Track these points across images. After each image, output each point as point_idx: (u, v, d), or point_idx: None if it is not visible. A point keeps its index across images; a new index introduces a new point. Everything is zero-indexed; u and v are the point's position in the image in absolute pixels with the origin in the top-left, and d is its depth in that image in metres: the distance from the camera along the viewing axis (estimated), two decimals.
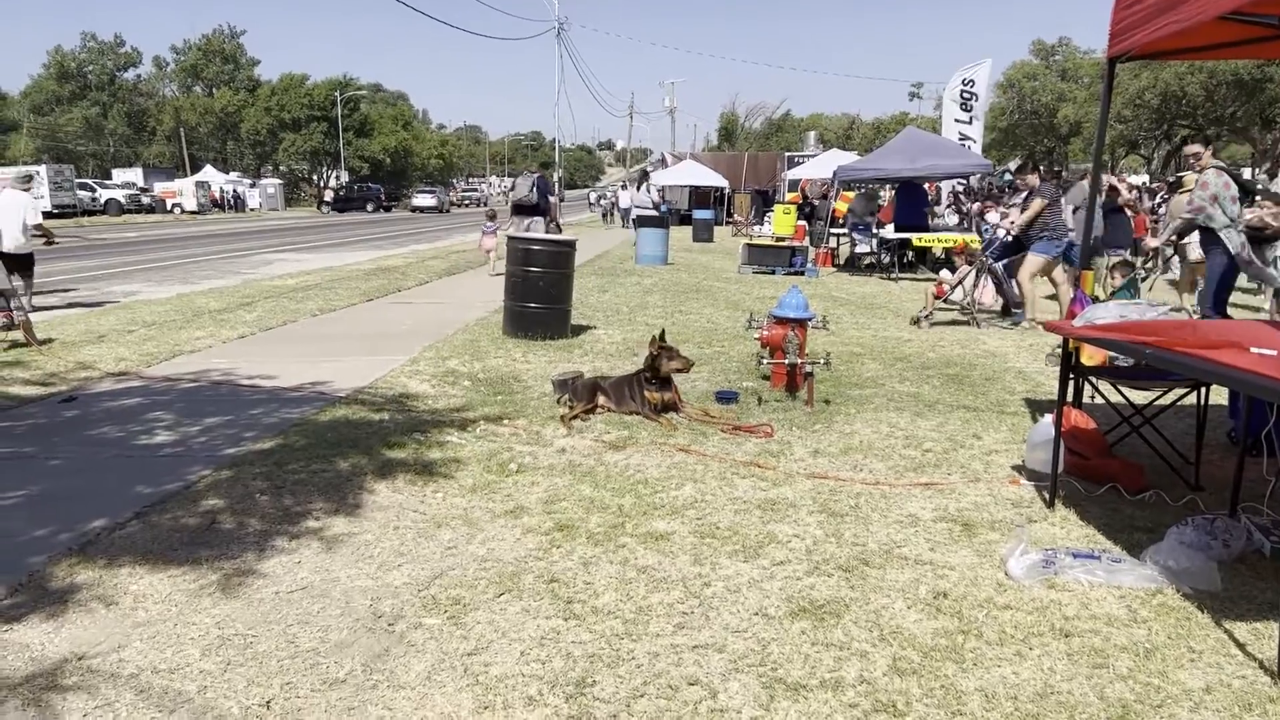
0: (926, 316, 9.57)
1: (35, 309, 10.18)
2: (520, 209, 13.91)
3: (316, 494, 4.28)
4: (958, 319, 9.98)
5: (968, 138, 21.07)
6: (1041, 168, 10.09)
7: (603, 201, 43.72)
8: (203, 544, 3.69)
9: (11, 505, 4.15)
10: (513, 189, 14.51)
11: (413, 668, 2.78)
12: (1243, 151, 50.03)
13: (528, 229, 13.07)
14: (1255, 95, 36.80)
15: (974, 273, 9.75)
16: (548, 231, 10.76)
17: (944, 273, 10.83)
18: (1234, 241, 7.55)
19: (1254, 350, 3.25)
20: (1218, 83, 36.87)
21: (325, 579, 3.40)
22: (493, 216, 16.46)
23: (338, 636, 2.98)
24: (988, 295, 9.80)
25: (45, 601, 3.18)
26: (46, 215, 36.53)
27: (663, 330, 6.20)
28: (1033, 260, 9.53)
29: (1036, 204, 9.45)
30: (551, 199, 14.38)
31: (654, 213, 20.35)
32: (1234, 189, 7.67)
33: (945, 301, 9.64)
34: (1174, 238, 9.49)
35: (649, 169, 22.18)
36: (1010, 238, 9.81)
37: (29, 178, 11.32)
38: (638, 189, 20.43)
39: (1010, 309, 10.17)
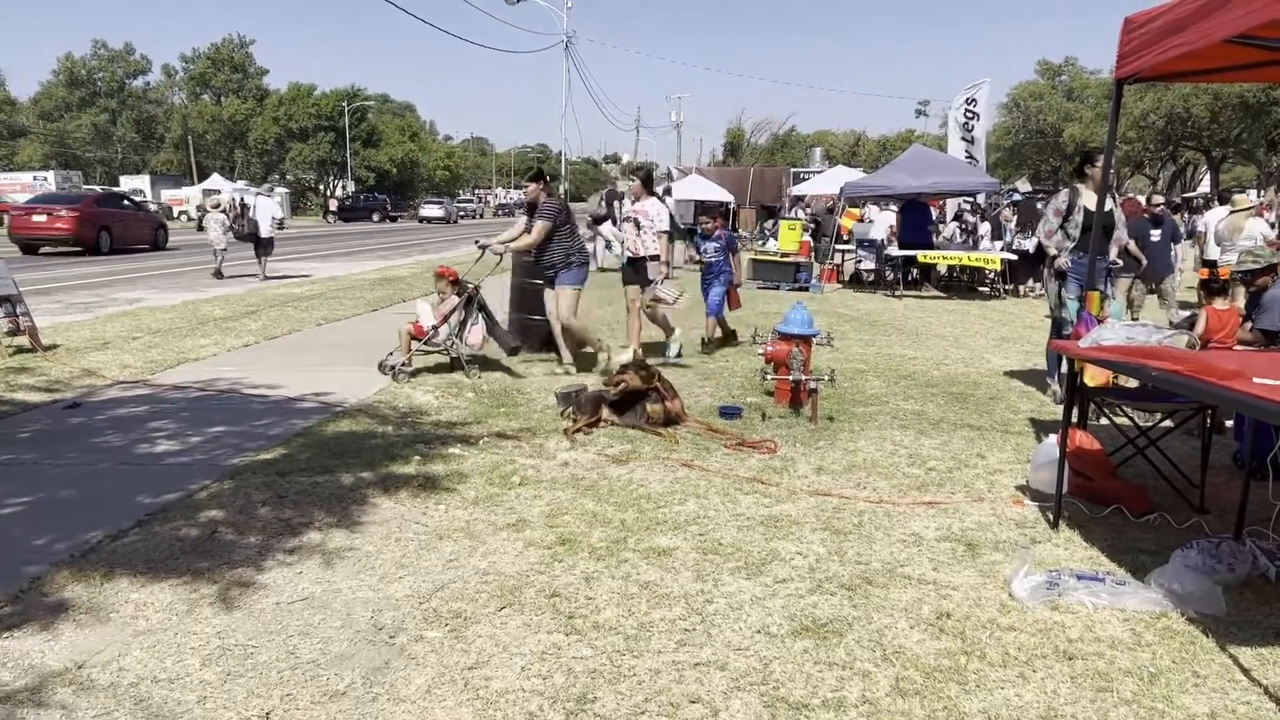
0: (403, 365, 7.25)
1: (272, 276, 15.91)
2: (595, 220, 17.88)
3: (318, 505, 4.27)
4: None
5: (972, 156, 21.16)
6: (546, 180, 7.51)
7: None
8: (204, 554, 3.69)
9: (12, 513, 4.15)
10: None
11: (413, 681, 2.77)
12: (1248, 174, 50.12)
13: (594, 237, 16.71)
14: (1260, 118, 36.86)
15: (463, 305, 7.42)
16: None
17: (420, 304, 8.16)
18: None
19: (1257, 380, 3.25)
20: (1223, 105, 36.97)
21: (326, 590, 3.40)
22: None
23: (338, 648, 2.97)
24: (475, 336, 7.49)
25: (44, 610, 3.17)
26: None
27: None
28: (568, 295, 7.43)
29: (539, 226, 7.24)
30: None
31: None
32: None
33: (426, 342, 7.40)
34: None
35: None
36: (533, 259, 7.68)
37: (272, 189, 19.48)
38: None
39: (714, 338, 9.03)
